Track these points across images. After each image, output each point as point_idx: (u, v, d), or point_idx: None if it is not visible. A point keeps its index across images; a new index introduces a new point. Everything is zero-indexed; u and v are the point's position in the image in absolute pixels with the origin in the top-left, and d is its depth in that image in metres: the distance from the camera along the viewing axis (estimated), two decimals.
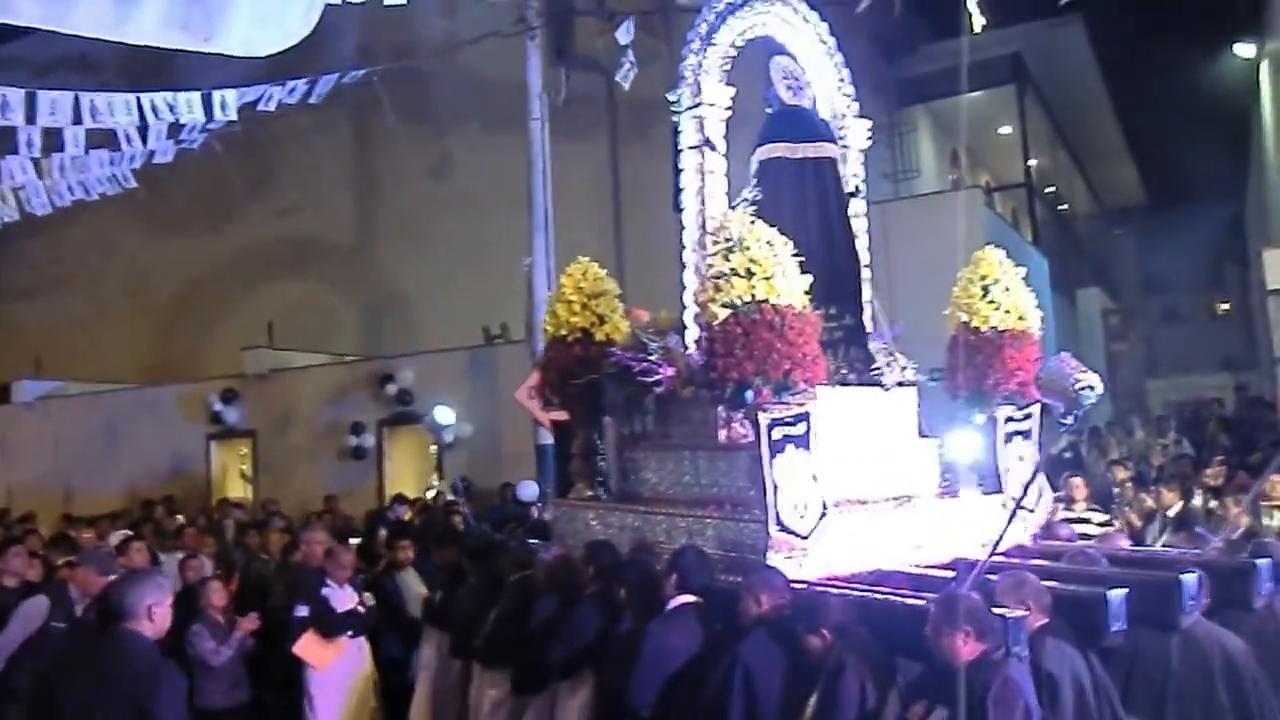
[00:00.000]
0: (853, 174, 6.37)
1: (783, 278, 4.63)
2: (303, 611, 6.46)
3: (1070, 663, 3.82)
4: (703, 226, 5.63)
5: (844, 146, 6.30)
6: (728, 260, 4.63)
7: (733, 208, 5.66)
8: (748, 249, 4.62)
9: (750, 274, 4.56)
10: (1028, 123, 19.39)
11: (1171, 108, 22.68)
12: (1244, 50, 18.46)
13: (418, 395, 14.01)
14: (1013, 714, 3.35)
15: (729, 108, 5.76)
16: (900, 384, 5.73)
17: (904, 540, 5.07)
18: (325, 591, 6.57)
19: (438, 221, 17.27)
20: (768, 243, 4.67)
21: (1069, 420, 4.04)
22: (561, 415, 6.26)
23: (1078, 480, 8.24)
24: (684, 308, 5.75)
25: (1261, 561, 4.53)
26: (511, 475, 11.72)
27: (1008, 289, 5.57)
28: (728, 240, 4.69)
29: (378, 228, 18.77)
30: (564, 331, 5.81)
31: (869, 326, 6.05)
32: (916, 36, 18.50)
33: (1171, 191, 25.81)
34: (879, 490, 5.28)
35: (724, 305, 4.59)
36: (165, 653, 4.46)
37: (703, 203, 5.67)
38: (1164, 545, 6.57)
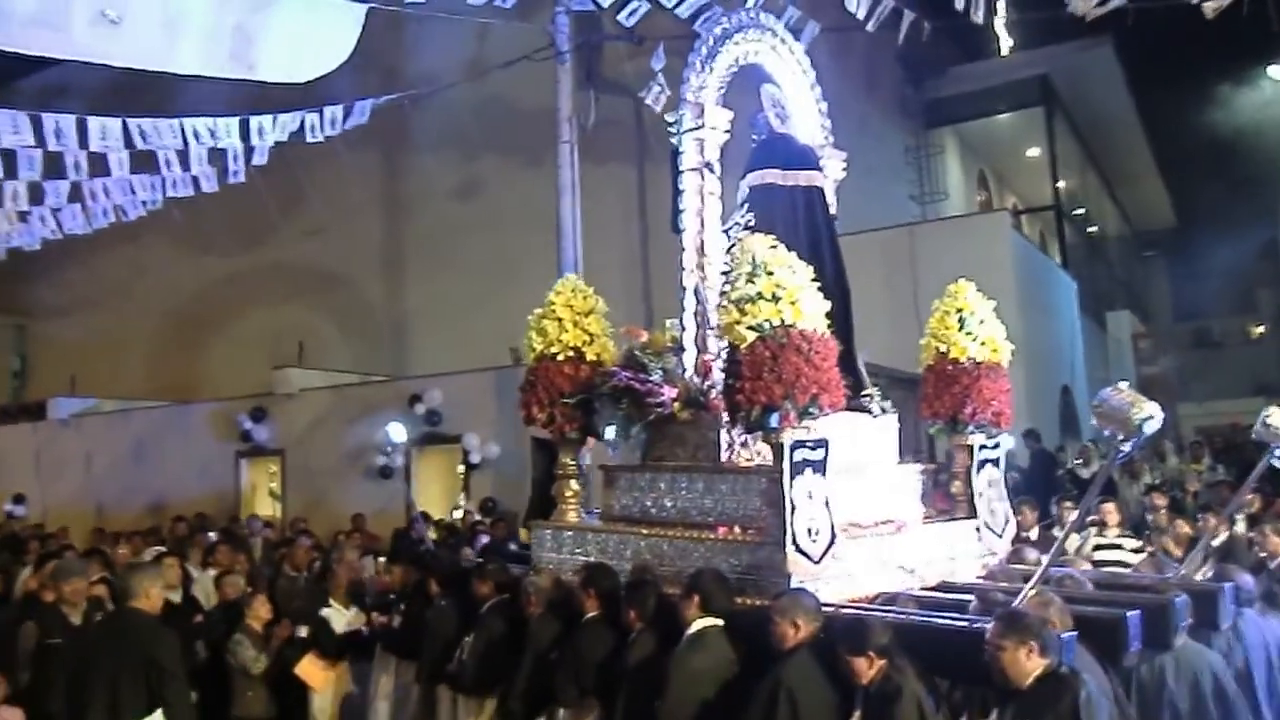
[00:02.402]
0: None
1: (807, 302, 4.67)
2: (301, 632, 6.49)
3: (1099, 679, 3.96)
4: (700, 248, 5.72)
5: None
6: (752, 283, 4.64)
7: (725, 231, 5.78)
8: (771, 273, 4.64)
9: (776, 298, 4.59)
10: (1056, 144, 19.32)
11: (1203, 129, 22.47)
12: (1277, 72, 18.31)
13: (445, 415, 14.07)
14: None
15: (727, 131, 5.85)
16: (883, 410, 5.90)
17: (896, 564, 5.17)
18: (325, 612, 6.58)
19: (465, 243, 17.40)
20: (790, 268, 4.71)
21: (1127, 448, 4.05)
22: (542, 434, 6.12)
23: (1110, 505, 8.15)
24: (683, 329, 5.75)
25: (1227, 585, 4.87)
26: None
27: (982, 321, 5.72)
28: (752, 264, 4.69)
29: (406, 249, 18.95)
30: (554, 349, 5.77)
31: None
32: (944, 59, 18.52)
33: (1203, 213, 25.55)
34: (872, 514, 5.35)
35: (751, 328, 4.60)
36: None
37: (701, 224, 5.74)
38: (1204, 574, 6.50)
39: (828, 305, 4.83)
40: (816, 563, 4.57)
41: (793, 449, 4.55)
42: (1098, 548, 7.66)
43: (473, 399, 13.97)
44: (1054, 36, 18.44)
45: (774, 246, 4.79)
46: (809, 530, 4.57)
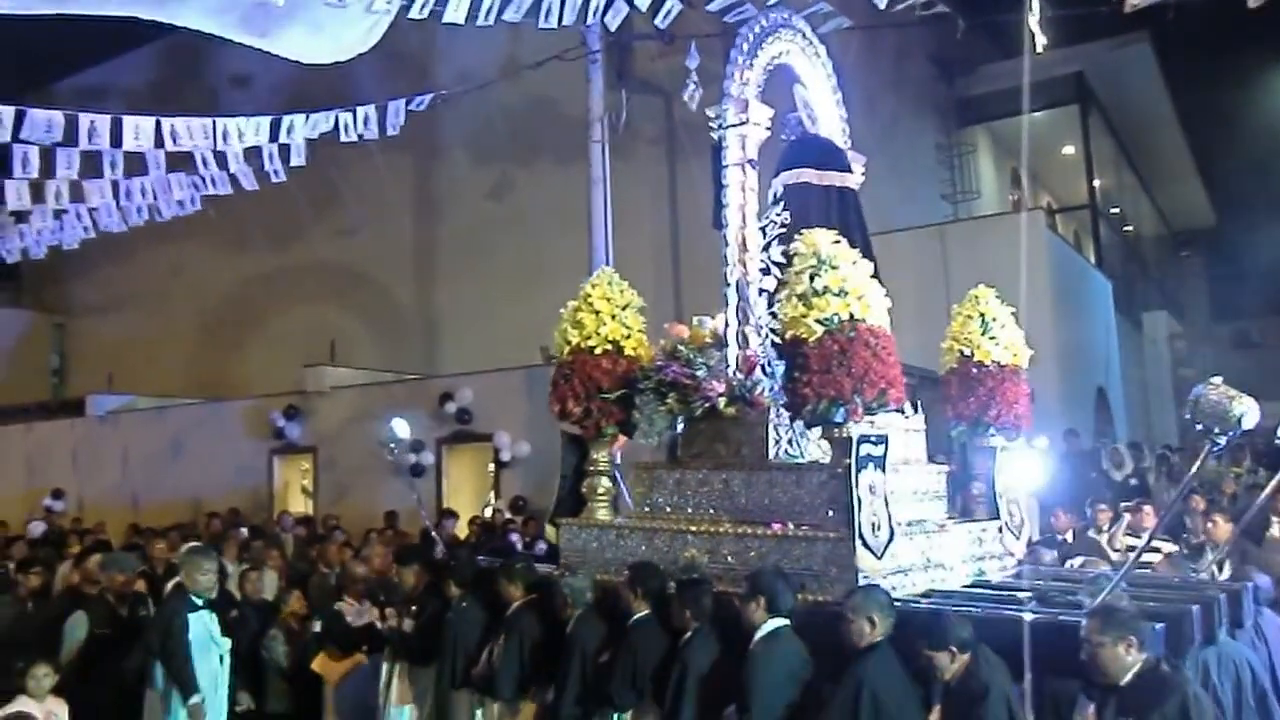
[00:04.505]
0: None
1: (872, 297, 4.71)
2: (316, 627, 6.52)
3: None
4: (742, 243, 5.74)
5: None
6: (816, 278, 4.65)
7: (762, 229, 5.80)
8: (836, 267, 4.65)
9: (843, 293, 4.61)
10: (1091, 143, 19.08)
11: (1242, 126, 22.11)
12: None
13: (476, 414, 14.15)
14: None
15: (768, 128, 5.91)
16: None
17: (936, 562, 5.21)
18: (339, 606, 6.61)
19: (496, 242, 17.48)
20: (853, 263, 4.73)
21: (1223, 440, 4.16)
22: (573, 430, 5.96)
23: (1148, 508, 8.05)
24: (726, 325, 5.73)
25: (1248, 585, 5.10)
26: None
27: (1004, 326, 5.79)
28: (816, 259, 4.69)
29: (438, 248, 19.06)
30: (592, 342, 5.68)
31: None
32: (977, 56, 18.35)
33: (1242, 212, 25.13)
34: (908, 513, 5.36)
35: (819, 322, 4.60)
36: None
37: (743, 220, 5.77)
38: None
39: (889, 302, 4.85)
40: (879, 558, 4.61)
41: (859, 443, 4.60)
42: (1130, 549, 7.55)
43: (503, 397, 14.02)
44: (1089, 33, 18.22)
45: (836, 241, 4.79)
46: (872, 525, 4.61)
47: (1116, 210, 22.28)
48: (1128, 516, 8.07)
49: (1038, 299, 12.04)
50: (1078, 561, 6.85)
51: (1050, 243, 14.42)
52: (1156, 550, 7.62)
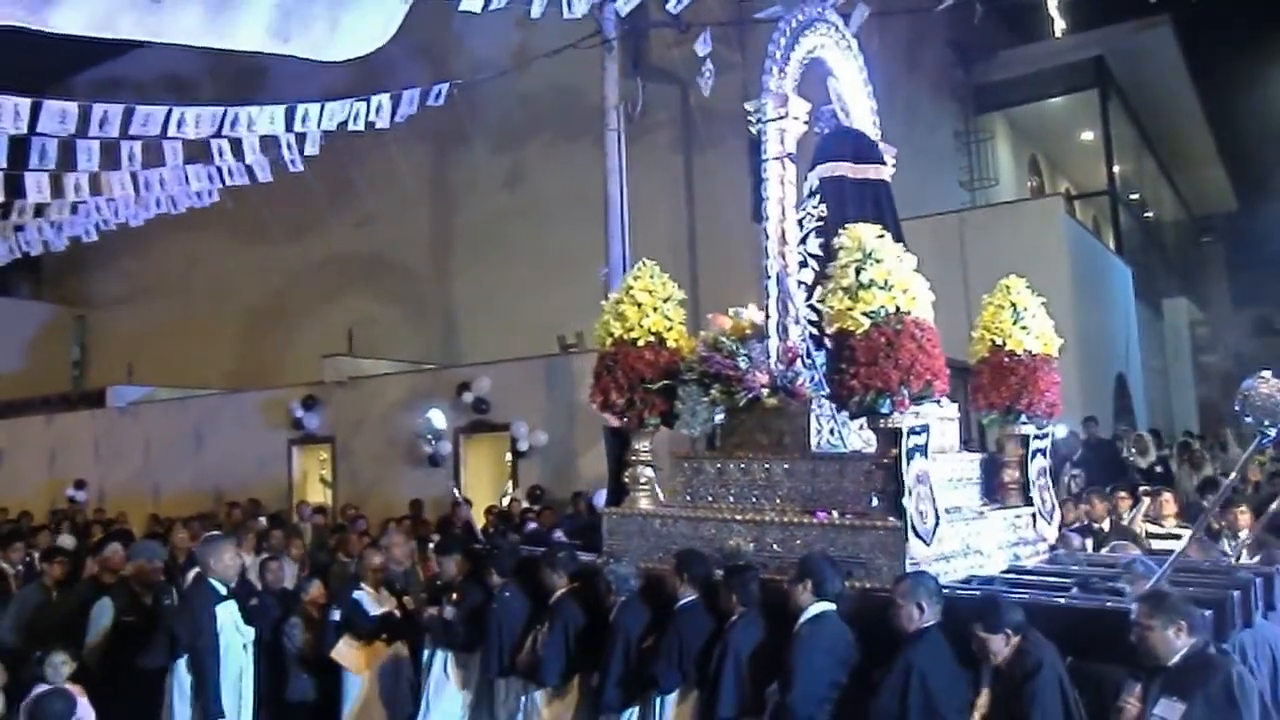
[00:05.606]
0: None
1: (917, 290, 4.77)
2: (334, 616, 6.55)
3: None
4: (782, 236, 5.78)
5: None
6: (861, 272, 4.70)
7: (800, 222, 5.85)
8: (881, 260, 4.70)
9: (889, 285, 4.67)
10: (1111, 128, 18.89)
11: (1264, 110, 21.86)
12: None
13: (494, 404, 14.18)
14: (1253, 707, 3.58)
15: (806, 122, 5.94)
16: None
17: (975, 549, 5.27)
18: (357, 595, 6.63)
19: (512, 231, 17.50)
20: (898, 257, 4.78)
21: (1272, 433, 4.27)
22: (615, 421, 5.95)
23: (1168, 496, 8.00)
24: (767, 316, 5.78)
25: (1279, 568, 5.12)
26: (585, 483, 11.80)
27: (1035, 315, 5.83)
28: (861, 252, 4.74)
29: (455, 238, 19.10)
30: (634, 334, 5.73)
31: None
32: (994, 42, 18.21)
33: (1264, 197, 24.80)
34: (945, 501, 5.35)
35: (865, 315, 4.67)
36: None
37: (783, 213, 5.81)
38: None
39: (932, 296, 4.90)
40: (929, 544, 4.71)
41: (908, 434, 4.68)
42: (1151, 536, 7.52)
43: (521, 387, 14.06)
44: (1109, 16, 18.05)
45: (881, 235, 4.84)
46: (920, 512, 4.71)
47: (1136, 196, 22.09)
48: (1146, 501, 8.05)
49: (1057, 286, 11.94)
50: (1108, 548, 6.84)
51: (1069, 229, 14.29)
52: (1177, 537, 7.59)
